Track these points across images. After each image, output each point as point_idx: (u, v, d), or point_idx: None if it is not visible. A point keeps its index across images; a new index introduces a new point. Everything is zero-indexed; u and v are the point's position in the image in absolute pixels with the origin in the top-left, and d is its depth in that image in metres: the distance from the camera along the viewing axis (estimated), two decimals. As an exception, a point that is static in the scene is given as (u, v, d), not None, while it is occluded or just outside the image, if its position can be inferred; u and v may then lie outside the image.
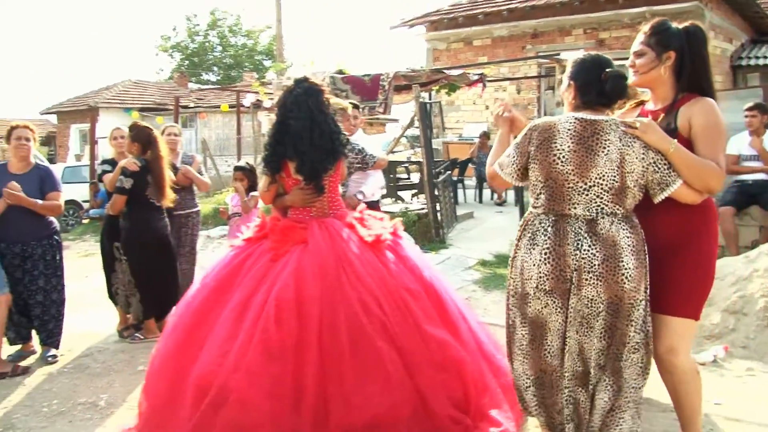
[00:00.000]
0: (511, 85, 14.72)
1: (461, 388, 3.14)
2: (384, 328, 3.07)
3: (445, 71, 10.37)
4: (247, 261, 3.31)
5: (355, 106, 5.37)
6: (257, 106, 12.58)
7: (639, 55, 2.84)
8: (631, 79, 2.86)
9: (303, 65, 10.97)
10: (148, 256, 5.22)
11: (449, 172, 10.77)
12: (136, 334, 5.41)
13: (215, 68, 38.38)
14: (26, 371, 4.73)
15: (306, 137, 3.38)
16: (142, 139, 5.19)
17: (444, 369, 3.12)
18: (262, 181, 3.57)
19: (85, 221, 14.03)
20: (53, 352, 5.01)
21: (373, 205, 4.79)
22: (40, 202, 4.78)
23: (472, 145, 13.17)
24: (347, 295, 3.11)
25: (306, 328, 3.00)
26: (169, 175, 5.26)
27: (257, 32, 38.90)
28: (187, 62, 37.43)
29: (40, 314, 4.93)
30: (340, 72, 9.18)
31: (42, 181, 4.87)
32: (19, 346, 5.08)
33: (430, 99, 12.58)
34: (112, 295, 5.66)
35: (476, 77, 10.32)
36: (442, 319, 3.31)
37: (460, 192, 11.95)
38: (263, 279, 3.19)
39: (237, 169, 5.57)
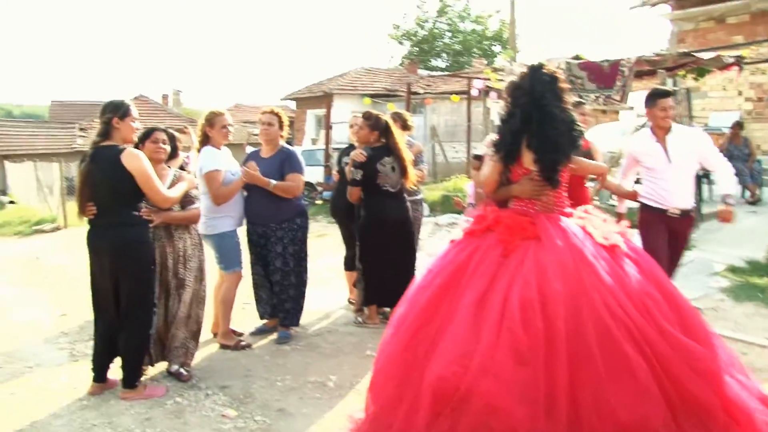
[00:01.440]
0: (773, 68, 12.99)
1: (715, 402, 2.84)
2: (630, 333, 2.87)
3: (695, 54, 9.40)
4: (474, 256, 3.19)
5: (579, 104, 5.11)
6: (486, 92, 12.45)
7: None
8: None
9: (535, 51, 10.53)
10: (379, 244, 5.34)
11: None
12: (359, 318, 5.59)
13: (444, 55, 38.80)
14: (246, 347, 5.11)
15: (547, 127, 3.24)
16: (380, 127, 5.32)
17: (696, 380, 2.84)
18: (488, 167, 3.44)
19: (318, 202, 14.94)
20: (287, 331, 5.29)
21: None
22: (273, 182, 4.96)
23: (721, 136, 11.87)
24: (590, 296, 2.92)
25: (552, 330, 2.84)
26: (409, 157, 5.40)
27: (486, 17, 38.64)
28: (416, 49, 38.25)
29: (278, 293, 5.22)
30: (577, 58, 8.71)
31: (282, 164, 5.11)
32: (265, 321, 5.47)
33: (674, 85, 11.53)
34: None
35: (731, 60, 9.24)
36: (684, 329, 3.02)
37: (704, 188, 10.83)
38: (496, 276, 3.07)
39: (476, 157, 5.49)
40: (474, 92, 13.11)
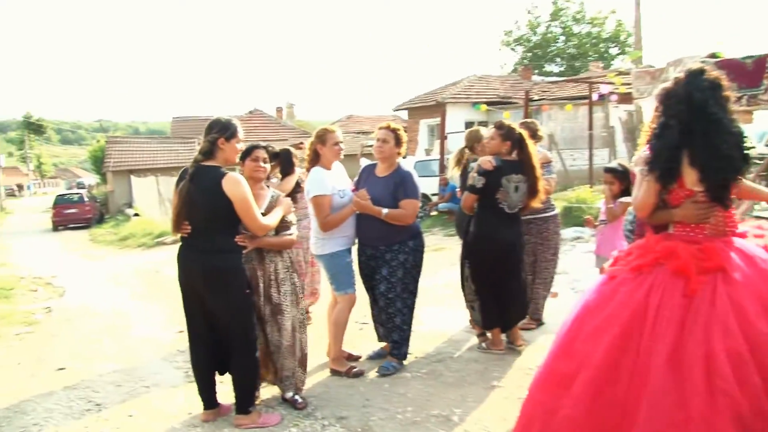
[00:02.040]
0: None
1: None
2: None
3: None
4: (650, 298, 2.66)
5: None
6: (604, 97, 11.71)
7: None
8: None
9: (663, 53, 9.75)
10: (490, 263, 4.95)
11: None
12: (482, 344, 5.18)
13: (558, 59, 37.70)
14: (359, 375, 4.77)
15: (716, 140, 2.71)
16: (512, 137, 4.88)
17: None
18: (643, 188, 2.91)
19: (433, 214, 14.62)
20: (393, 363, 4.84)
21: None
22: (385, 211, 4.58)
23: None
24: None
25: None
26: (540, 175, 4.93)
27: (602, 19, 37.21)
28: (529, 55, 37.42)
29: (384, 321, 4.88)
30: (714, 56, 7.91)
31: (396, 188, 4.69)
32: (384, 344, 5.15)
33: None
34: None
35: None
36: None
37: None
38: (685, 323, 2.56)
39: (608, 171, 4.94)
40: (594, 96, 12.41)
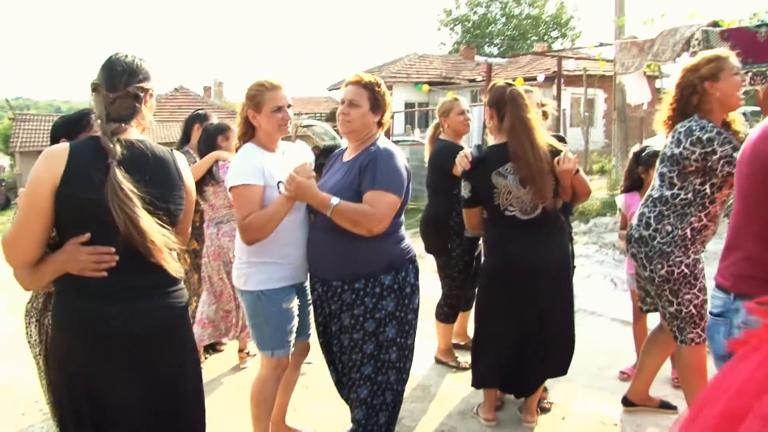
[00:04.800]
0: None
1: None
2: None
3: None
4: None
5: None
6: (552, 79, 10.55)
7: None
8: None
9: (644, 22, 8.64)
10: (499, 301, 3.33)
11: None
12: (476, 410, 3.74)
13: (497, 41, 36.90)
14: None
15: None
16: (498, 100, 3.27)
17: None
18: None
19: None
20: None
21: None
22: (335, 200, 2.76)
23: None
24: None
25: None
26: (545, 166, 3.19)
27: (543, 1, 36.57)
28: (467, 35, 36.45)
29: (348, 389, 3.10)
30: (716, 24, 6.77)
31: (361, 173, 2.89)
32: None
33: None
34: None
35: None
36: None
37: None
38: None
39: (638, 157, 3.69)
40: (540, 77, 11.26)
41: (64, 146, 2.01)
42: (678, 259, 2.98)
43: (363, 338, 2.82)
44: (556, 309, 3.29)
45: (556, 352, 3.35)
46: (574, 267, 3.63)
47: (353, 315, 2.83)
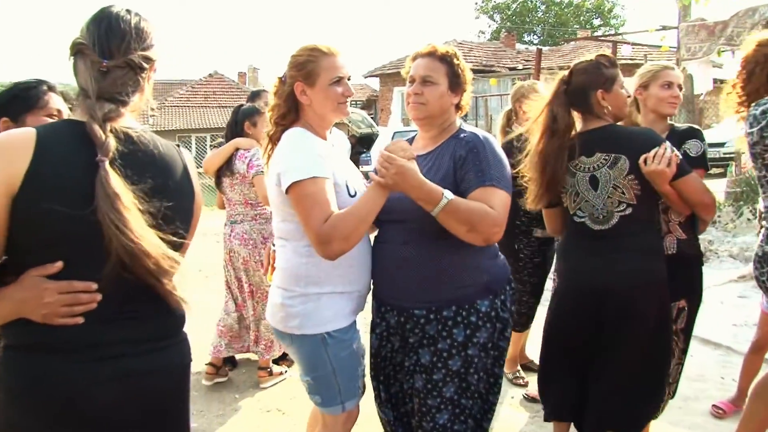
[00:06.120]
0: None
1: None
2: None
3: None
4: None
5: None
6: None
7: None
8: None
9: (705, 3, 7.99)
10: (567, 325, 2.72)
11: None
12: None
13: (537, 29, 36.22)
14: None
15: None
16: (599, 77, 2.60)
17: None
18: None
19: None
20: None
21: None
22: (448, 195, 1.97)
23: None
24: None
25: None
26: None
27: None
28: (507, 23, 35.78)
29: None
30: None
31: (457, 167, 2.14)
32: None
33: None
34: None
35: None
36: None
37: None
38: None
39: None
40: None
41: (27, 132, 1.38)
42: None
43: (444, 379, 2.17)
44: (631, 350, 2.54)
45: (619, 403, 2.58)
46: (699, 299, 2.89)
47: (436, 351, 2.18)
